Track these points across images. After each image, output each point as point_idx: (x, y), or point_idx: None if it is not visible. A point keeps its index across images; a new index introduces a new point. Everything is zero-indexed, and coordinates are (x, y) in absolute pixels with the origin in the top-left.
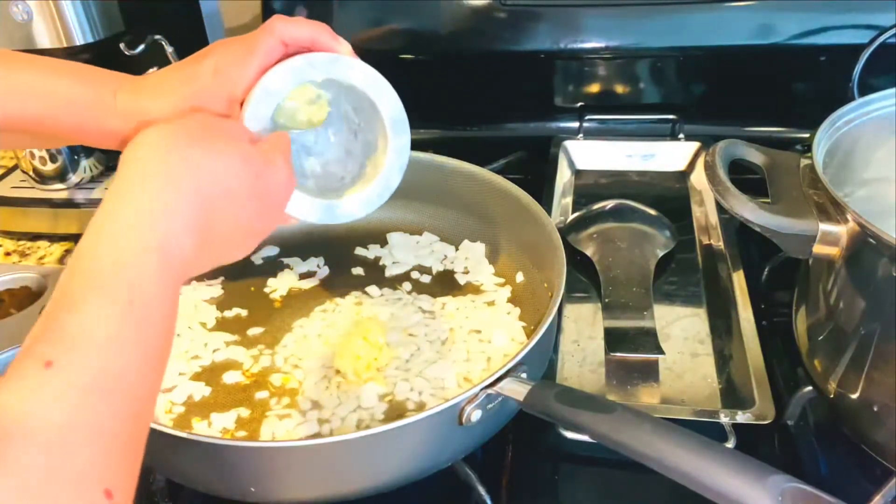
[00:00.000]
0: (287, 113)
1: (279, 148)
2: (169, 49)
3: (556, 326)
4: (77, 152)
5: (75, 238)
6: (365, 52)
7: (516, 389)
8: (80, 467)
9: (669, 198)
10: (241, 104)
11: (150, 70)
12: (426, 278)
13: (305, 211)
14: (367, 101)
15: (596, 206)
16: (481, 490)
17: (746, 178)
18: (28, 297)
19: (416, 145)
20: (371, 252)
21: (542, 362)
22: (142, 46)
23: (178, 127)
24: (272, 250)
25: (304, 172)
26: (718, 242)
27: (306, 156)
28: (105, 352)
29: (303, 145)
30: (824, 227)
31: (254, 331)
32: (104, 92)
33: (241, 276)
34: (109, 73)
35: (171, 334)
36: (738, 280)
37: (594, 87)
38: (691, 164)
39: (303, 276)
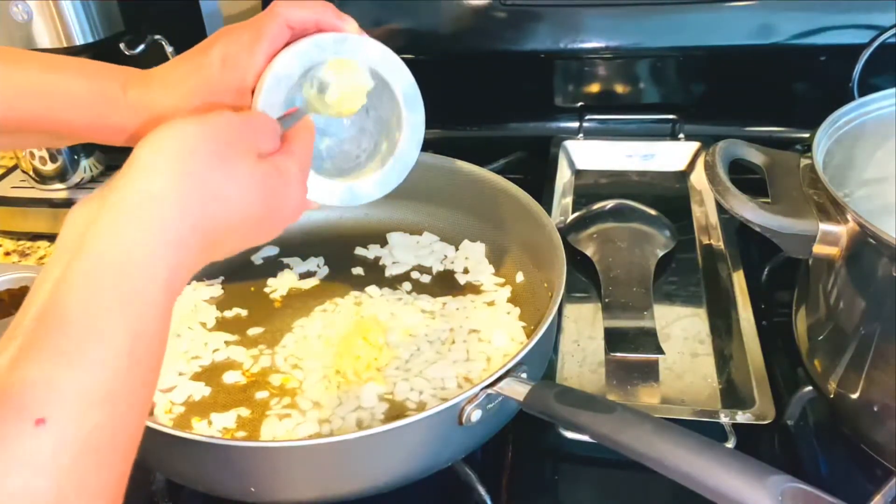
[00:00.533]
0: (320, 85)
1: (299, 159)
2: (169, 49)
3: (556, 326)
4: (77, 152)
5: None
6: None
7: (516, 389)
8: None
9: (669, 198)
10: (252, 91)
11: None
12: (426, 278)
13: (325, 195)
14: (378, 78)
15: (596, 206)
16: (481, 490)
17: (746, 178)
18: None
19: None
20: (371, 252)
21: (542, 362)
22: (142, 46)
23: (198, 135)
24: (272, 250)
25: (321, 154)
26: (718, 242)
27: (320, 137)
28: (102, 408)
29: (316, 128)
30: (824, 227)
31: (254, 331)
32: (111, 87)
33: (241, 276)
34: (115, 67)
35: (160, 367)
36: (738, 280)
37: (594, 87)
38: (691, 164)
39: (303, 276)
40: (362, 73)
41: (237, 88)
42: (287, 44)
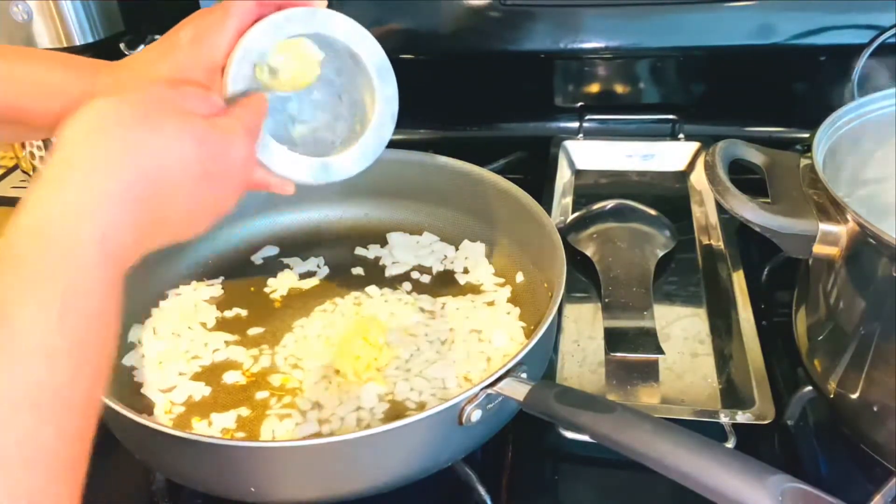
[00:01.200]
0: (270, 71)
1: (243, 120)
2: None
3: (556, 326)
4: None
5: None
6: None
7: (516, 389)
8: (13, 494)
9: (669, 198)
10: (223, 70)
11: None
12: (426, 278)
13: (298, 172)
14: (348, 56)
15: (596, 206)
16: (481, 490)
17: (746, 178)
18: None
19: (416, 145)
20: (371, 252)
21: (542, 362)
22: (142, 46)
23: (123, 103)
24: (272, 250)
25: (293, 140)
26: (718, 242)
27: (293, 124)
28: (38, 364)
29: (288, 114)
30: (824, 227)
31: (254, 331)
32: (83, 76)
33: (241, 276)
34: (87, 59)
35: (113, 333)
36: (738, 280)
37: (594, 87)
38: (691, 164)
39: (303, 276)
40: (310, 47)
41: (207, 67)
42: (258, 19)
